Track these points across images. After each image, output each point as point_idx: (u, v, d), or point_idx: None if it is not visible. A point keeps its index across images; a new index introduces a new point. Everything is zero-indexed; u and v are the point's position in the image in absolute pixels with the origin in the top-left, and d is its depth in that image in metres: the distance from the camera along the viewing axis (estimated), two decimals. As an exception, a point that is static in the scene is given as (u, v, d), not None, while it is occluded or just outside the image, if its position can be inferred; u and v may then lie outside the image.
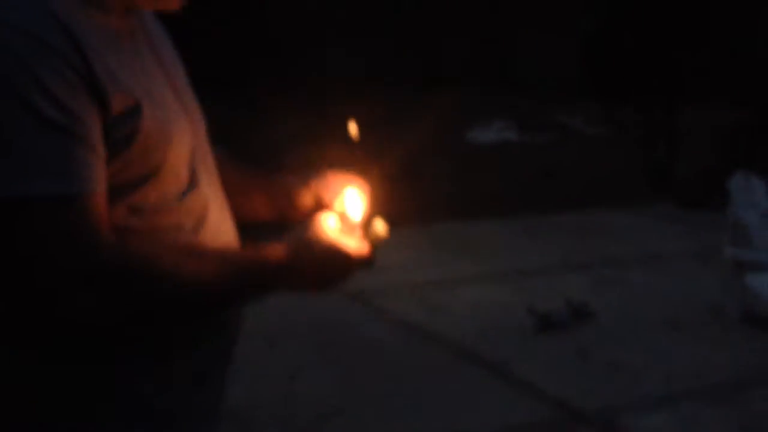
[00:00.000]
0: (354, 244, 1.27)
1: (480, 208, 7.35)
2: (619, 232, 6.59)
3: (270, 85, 10.24)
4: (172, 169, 1.19)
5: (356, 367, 3.98)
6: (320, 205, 1.44)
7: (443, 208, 7.23)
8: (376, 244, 1.31)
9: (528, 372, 3.90)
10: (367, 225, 1.33)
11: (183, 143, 1.22)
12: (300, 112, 11.31)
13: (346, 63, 14.12)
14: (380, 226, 1.32)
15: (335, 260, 1.24)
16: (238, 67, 9.94)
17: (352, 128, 1.44)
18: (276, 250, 1.22)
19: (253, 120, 9.72)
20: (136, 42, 1.22)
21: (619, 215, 7.12)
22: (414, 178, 8.37)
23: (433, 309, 4.73)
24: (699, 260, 5.69)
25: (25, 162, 1.04)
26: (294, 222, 1.46)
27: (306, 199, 1.46)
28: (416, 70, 15.96)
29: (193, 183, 1.24)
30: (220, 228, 1.29)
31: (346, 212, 1.36)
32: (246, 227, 1.43)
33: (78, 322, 1.10)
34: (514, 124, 12.11)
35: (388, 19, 15.66)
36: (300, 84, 11.26)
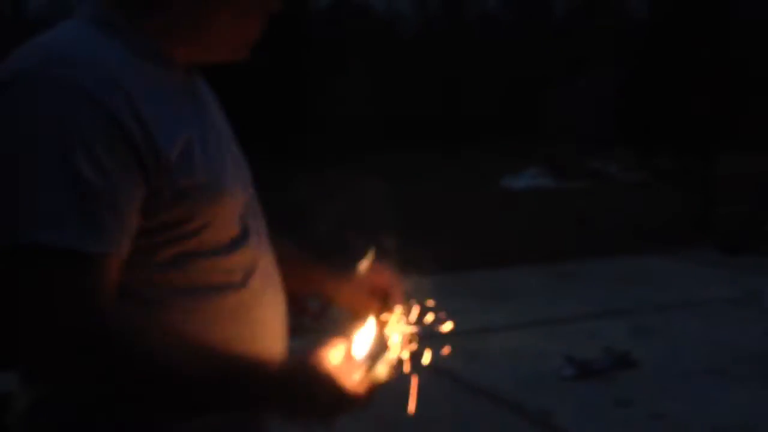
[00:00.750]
0: (353, 382, 1.21)
1: (515, 254, 7.29)
2: (657, 277, 6.48)
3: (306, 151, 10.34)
4: (224, 221, 1.20)
5: (392, 415, 3.90)
6: (350, 301, 1.51)
7: (478, 255, 7.18)
8: (376, 385, 1.25)
9: (569, 422, 3.81)
10: (372, 363, 1.28)
11: (235, 196, 1.23)
12: (334, 163, 11.33)
13: (378, 110, 14.20)
14: (383, 369, 1.28)
15: (329, 393, 1.18)
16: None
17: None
18: (272, 366, 1.19)
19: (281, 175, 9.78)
20: (192, 98, 1.23)
21: (657, 261, 7.01)
22: (449, 224, 8.34)
23: (470, 356, 4.65)
24: (742, 306, 5.56)
25: (48, 213, 1.03)
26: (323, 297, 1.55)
27: (336, 292, 1.53)
28: (451, 119, 16.05)
29: (244, 237, 1.24)
30: (267, 283, 1.28)
31: (354, 344, 1.30)
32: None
33: (58, 377, 1.09)
34: (548, 170, 12.07)
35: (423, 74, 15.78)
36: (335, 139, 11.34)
